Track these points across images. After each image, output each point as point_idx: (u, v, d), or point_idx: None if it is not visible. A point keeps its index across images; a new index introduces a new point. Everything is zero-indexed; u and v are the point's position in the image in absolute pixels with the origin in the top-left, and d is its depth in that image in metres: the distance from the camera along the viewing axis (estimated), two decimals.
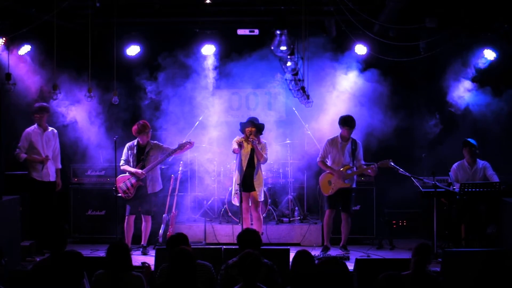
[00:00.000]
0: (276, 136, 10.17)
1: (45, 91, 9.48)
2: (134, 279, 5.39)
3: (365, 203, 9.55)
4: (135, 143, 8.94)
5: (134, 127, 8.87)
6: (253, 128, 8.69)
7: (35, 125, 8.90)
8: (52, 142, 9.03)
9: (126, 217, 8.83)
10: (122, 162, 8.96)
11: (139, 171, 8.77)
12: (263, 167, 9.03)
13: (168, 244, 5.87)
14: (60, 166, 9.15)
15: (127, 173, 8.87)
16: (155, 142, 9.07)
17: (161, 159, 8.87)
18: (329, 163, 8.93)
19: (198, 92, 10.33)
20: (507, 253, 6.73)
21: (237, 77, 10.31)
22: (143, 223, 8.92)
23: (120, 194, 8.77)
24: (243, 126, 8.78)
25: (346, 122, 8.81)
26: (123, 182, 8.82)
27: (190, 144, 8.92)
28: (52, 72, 8.91)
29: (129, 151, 8.91)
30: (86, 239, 9.55)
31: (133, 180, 8.82)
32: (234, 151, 8.75)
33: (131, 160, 8.89)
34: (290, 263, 5.27)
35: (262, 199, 8.88)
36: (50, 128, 9.03)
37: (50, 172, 8.95)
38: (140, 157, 8.88)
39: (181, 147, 8.86)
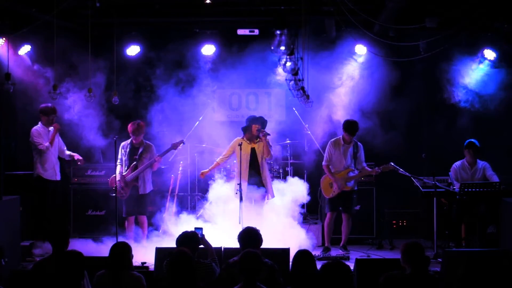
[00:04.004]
0: (276, 136, 10.16)
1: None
2: (134, 279, 5.39)
3: (365, 203, 9.54)
4: (129, 143, 8.97)
5: (130, 126, 8.91)
6: (258, 125, 8.75)
7: (40, 125, 8.88)
8: (56, 140, 9.03)
9: (125, 218, 8.90)
10: (118, 161, 9.01)
11: (118, 176, 8.81)
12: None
13: (178, 241, 5.89)
14: (68, 152, 9.20)
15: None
16: (148, 143, 9.10)
17: (149, 163, 8.90)
18: (330, 165, 8.93)
19: (198, 92, 10.32)
20: (507, 253, 6.73)
21: (237, 77, 10.30)
22: (140, 223, 9.02)
23: (114, 194, 8.83)
24: (250, 123, 8.80)
25: (346, 127, 8.81)
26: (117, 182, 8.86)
27: (182, 142, 9.13)
28: (52, 72, 8.92)
29: (122, 151, 8.94)
30: (86, 240, 9.53)
31: (127, 181, 8.85)
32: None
33: (124, 160, 8.91)
34: (290, 263, 5.25)
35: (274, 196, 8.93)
36: (50, 128, 9.02)
37: (57, 171, 8.97)
38: (133, 157, 8.91)
39: (175, 146, 9.01)
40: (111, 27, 9.32)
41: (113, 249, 5.49)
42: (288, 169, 10.16)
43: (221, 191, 8.98)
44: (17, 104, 9.83)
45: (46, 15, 8.35)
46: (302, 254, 5.28)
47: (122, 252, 5.44)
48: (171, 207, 9.47)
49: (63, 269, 5.07)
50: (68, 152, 9.20)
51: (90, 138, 9.87)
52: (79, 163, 9.22)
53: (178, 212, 9.67)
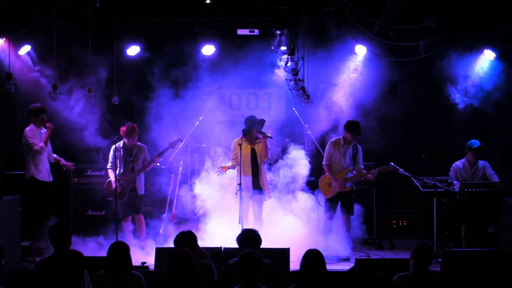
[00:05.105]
0: (276, 136, 10.16)
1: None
2: (134, 278, 5.40)
3: (365, 203, 9.53)
4: (121, 145, 8.96)
5: (123, 128, 8.91)
6: (258, 128, 8.81)
7: (32, 125, 8.81)
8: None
9: (121, 219, 8.92)
10: (109, 164, 9.01)
11: (113, 180, 8.79)
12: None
13: (176, 241, 5.90)
14: (55, 155, 9.07)
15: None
16: (141, 144, 9.12)
17: (149, 162, 8.93)
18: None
19: (198, 92, 10.33)
20: (507, 253, 6.73)
21: (237, 77, 10.30)
22: (137, 222, 9.04)
23: (111, 198, 8.81)
24: (250, 127, 8.80)
25: (351, 128, 8.77)
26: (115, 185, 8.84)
27: (180, 140, 9.18)
28: (52, 72, 8.92)
29: (116, 153, 8.86)
30: (86, 240, 9.53)
31: (124, 184, 8.85)
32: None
33: (117, 162, 8.87)
34: (300, 262, 5.24)
35: (271, 197, 8.96)
36: (42, 130, 8.97)
37: (49, 172, 8.94)
38: (128, 158, 8.91)
39: (173, 145, 9.01)
40: (111, 27, 9.32)
41: (111, 249, 5.48)
42: (288, 169, 10.13)
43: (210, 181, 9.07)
44: (17, 104, 9.83)
45: (46, 15, 8.35)
46: (312, 253, 5.26)
47: (121, 251, 5.44)
48: (171, 207, 9.47)
49: (63, 269, 5.07)
50: (54, 155, 9.06)
51: (90, 138, 9.87)
52: (64, 168, 9.12)
53: (178, 213, 9.69)
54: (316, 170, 9.55)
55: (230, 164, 8.91)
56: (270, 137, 8.87)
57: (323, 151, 9.18)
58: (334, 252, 8.53)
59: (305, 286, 5.07)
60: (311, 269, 5.09)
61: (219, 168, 8.88)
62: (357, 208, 9.18)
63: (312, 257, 5.19)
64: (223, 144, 9.90)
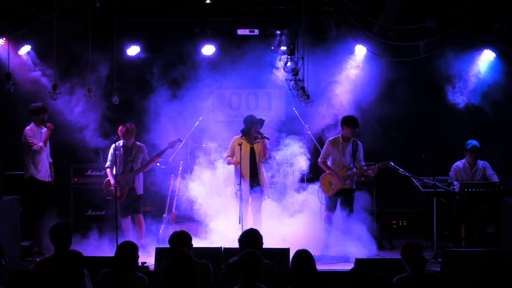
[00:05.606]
0: (276, 136, 10.16)
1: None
2: (137, 279, 5.39)
3: (365, 203, 9.52)
4: (121, 144, 8.96)
5: (121, 129, 8.90)
6: (257, 128, 8.82)
7: (32, 125, 8.80)
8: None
9: (122, 219, 8.92)
10: (108, 163, 9.01)
11: (112, 181, 8.81)
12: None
13: (171, 241, 5.89)
14: (51, 160, 9.08)
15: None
16: (140, 144, 9.13)
17: (148, 162, 8.96)
18: (329, 163, 8.92)
19: (198, 92, 10.33)
20: (507, 253, 6.73)
21: (237, 77, 10.31)
22: (136, 222, 9.06)
23: (109, 198, 8.81)
24: (249, 126, 8.80)
25: (351, 122, 8.77)
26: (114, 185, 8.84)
27: (179, 140, 9.19)
28: (52, 72, 8.92)
29: (115, 152, 8.84)
30: (86, 239, 9.53)
31: (123, 183, 8.86)
32: (228, 163, 8.93)
33: (117, 162, 8.85)
34: (290, 263, 5.25)
35: (270, 196, 8.99)
36: (43, 129, 8.95)
37: (49, 172, 8.93)
38: (127, 158, 8.91)
39: (172, 145, 9.02)
40: (111, 27, 9.32)
41: (120, 248, 5.47)
42: (288, 169, 10.13)
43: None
44: (17, 104, 9.83)
45: (46, 15, 8.36)
46: (301, 254, 5.27)
47: (129, 252, 5.44)
48: (171, 208, 9.48)
49: (63, 269, 5.07)
50: (51, 160, 9.01)
51: (90, 138, 9.87)
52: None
53: (178, 213, 9.69)
54: (315, 168, 9.56)
55: (228, 160, 8.98)
56: (267, 138, 8.85)
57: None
58: (335, 252, 8.55)
59: (300, 287, 5.08)
60: (301, 270, 5.10)
61: (226, 157, 8.99)
62: (358, 207, 9.19)
63: (302, 258, 5.20)
64: (223, 144, 9.90)
